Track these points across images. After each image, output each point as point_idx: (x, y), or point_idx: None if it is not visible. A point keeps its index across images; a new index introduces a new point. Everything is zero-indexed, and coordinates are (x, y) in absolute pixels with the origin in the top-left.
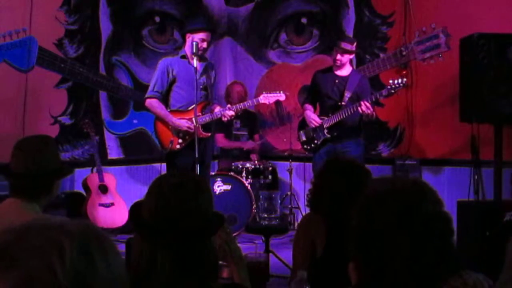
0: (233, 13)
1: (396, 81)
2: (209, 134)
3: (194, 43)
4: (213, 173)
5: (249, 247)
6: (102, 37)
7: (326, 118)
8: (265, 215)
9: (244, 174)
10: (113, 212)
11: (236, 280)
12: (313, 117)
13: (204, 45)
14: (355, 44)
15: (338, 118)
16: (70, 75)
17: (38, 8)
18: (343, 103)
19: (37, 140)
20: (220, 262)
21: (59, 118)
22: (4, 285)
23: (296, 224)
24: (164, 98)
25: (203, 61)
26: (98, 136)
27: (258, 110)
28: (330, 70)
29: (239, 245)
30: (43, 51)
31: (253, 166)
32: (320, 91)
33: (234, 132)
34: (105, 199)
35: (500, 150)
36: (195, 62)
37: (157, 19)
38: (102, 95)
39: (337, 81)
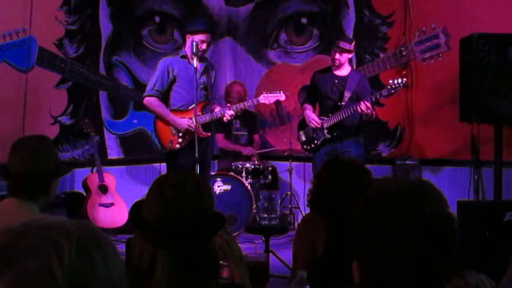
0: (233, 13)
1: (396, 81)
2: (209, 134)
3: (194, 43)
4: (213, 173)
5: (249, 247)
6: (102, 37)
7: (326, 118)
8: (265, 215)
9: (244, 174)
10: (113, 212)
11: (236, 280)
12: (313, 117)
13: (204, 46)
14: (353, 43)
15: (338, 118)
16: (70, 75)
17: (38, 8)
18: (343, 103)
19: (34, 140)
20: (221, 262)
21: (59, 118)
22: (2, 285)
23: (296, 224)
24: (164, 98)
25: (203, 62)
26: (98, 136)
27: (258, 110)
28: (329, 70)
29: (239, 245)
30: (43, 51)
31: (253, 166)
32: (319, 91)
33: (234, 132)
34: (105, 199)
35: (500, 150)
36: (195, 62)
37: (157, 19)
38: (102, 95)
39: (336, 81)
